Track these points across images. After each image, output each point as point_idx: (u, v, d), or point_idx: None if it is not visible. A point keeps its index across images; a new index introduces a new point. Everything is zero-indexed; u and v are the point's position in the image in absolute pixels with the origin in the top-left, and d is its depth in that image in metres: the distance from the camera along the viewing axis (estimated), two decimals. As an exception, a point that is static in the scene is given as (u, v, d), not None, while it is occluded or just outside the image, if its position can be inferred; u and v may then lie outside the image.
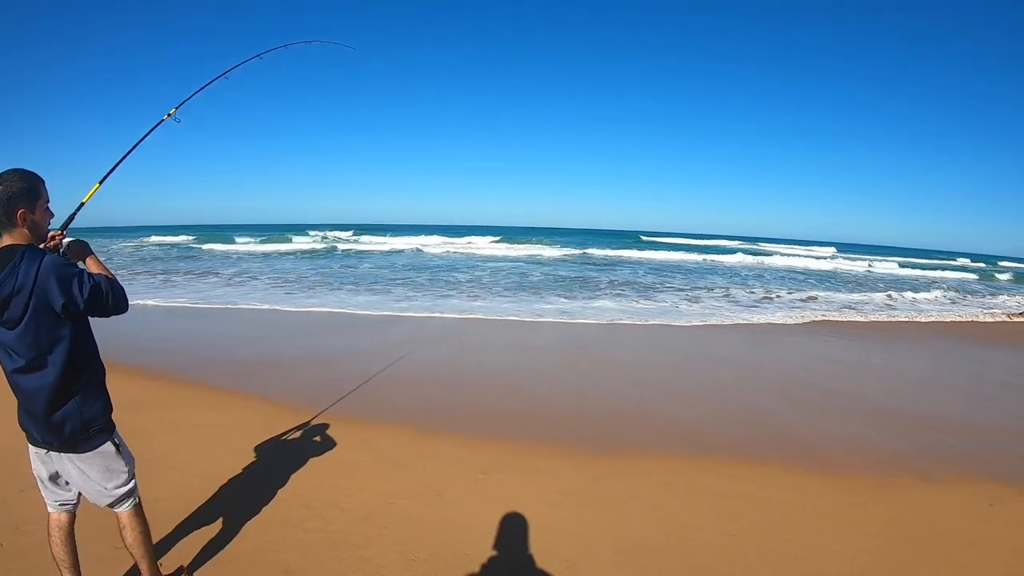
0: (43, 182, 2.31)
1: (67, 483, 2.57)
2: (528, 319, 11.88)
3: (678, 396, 7.10)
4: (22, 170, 2.25)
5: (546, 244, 42.04)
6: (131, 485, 2.65)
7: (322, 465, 4.65)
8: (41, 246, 2.36)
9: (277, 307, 12.61)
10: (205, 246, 35.96)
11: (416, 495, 4.21)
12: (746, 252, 42.11)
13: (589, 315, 12.43)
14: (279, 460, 4.73)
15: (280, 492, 4.15)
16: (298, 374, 7.33)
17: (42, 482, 2.58)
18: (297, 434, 5.30)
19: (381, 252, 33.62)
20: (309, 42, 5.01)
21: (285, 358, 8.18)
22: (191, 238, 42.54)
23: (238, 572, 3.24)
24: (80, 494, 2.63)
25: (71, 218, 2.77)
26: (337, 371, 7.51)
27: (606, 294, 16.53)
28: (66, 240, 2.60)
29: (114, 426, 2.59)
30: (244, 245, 37.26)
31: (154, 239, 41.64)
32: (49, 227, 2.42)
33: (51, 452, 2.45)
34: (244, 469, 4.53)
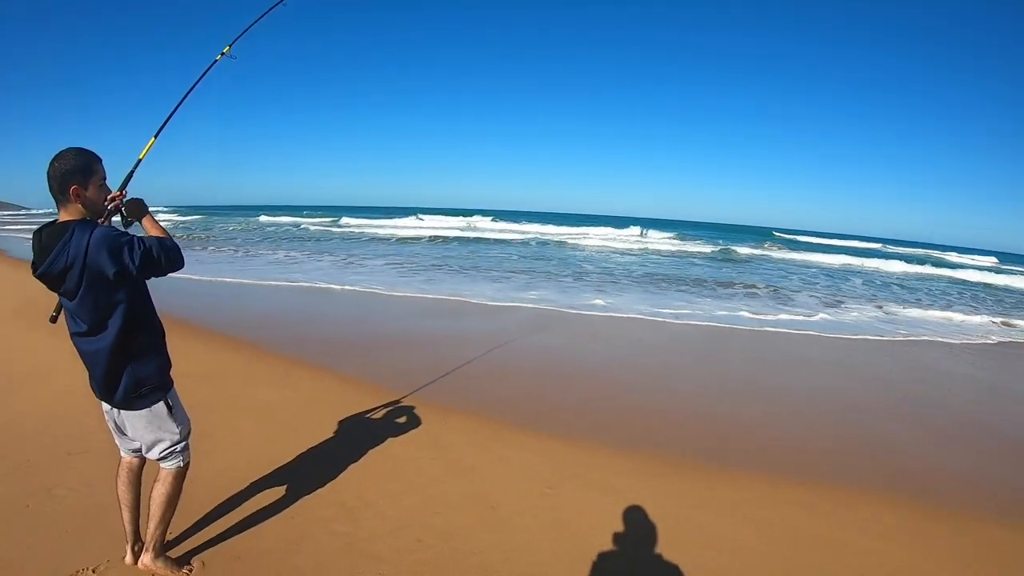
0: (99, 160, 2.36)
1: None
2: (649, 317, 10.83)
3: (792, 413, 6.01)
4: (78, 148, 2.31)
5: (680, 239, 40.05)
6: (180, 446, 2.69)
7: (376, 459, 4.28)
8: (101, 220, 2.42)
9: (384, 291, 12.49)
10: (333, 228, 37.55)
11: (467, 506, 3.69)
12: (902, 258, 35.91)
13: (719, 317, 11.18)
14: (333, 448, 4.44)
15: (321, 486, 3.81)
16: (384, 356, 7.13)
17: (113, 431, 2.69)
18: (362, 421, 5.00)
19: (515, 240, 32.93)
20: None
21: (376, 340, 8.02)
22: (325, 219, 44.52)
23: (241, 570, 2.92)
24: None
25: (129, 176, 2.73)
26: (427, 356, 7.19)
27: (739, 294, 15.00)
28: (127, 199, 2.60)
29: (170, 385, 2.65)
30: (368, 228, 38.42)
31: (289, 219, 43.99)
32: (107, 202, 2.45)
33: (114, 408, 2.56)
34: (294, 454, 4.27)
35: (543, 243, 31.90)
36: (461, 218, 48.85)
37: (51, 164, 2.26)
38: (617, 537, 3.48)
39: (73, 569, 2.82)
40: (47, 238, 2.29)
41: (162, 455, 2.65)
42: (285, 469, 4.03)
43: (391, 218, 46.17)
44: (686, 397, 6.33)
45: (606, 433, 5.06)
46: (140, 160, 2.82)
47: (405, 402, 5.42)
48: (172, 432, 2.63)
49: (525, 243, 31.48)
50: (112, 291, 2.31)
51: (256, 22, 3.52)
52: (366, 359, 6.94)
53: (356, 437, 4.64)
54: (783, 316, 11.84)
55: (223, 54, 3.30)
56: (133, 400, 2.51)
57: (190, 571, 2.86)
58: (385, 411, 5.21)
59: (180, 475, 2.73)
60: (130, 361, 2.45)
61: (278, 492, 3.69)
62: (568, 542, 3.38)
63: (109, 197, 2.50)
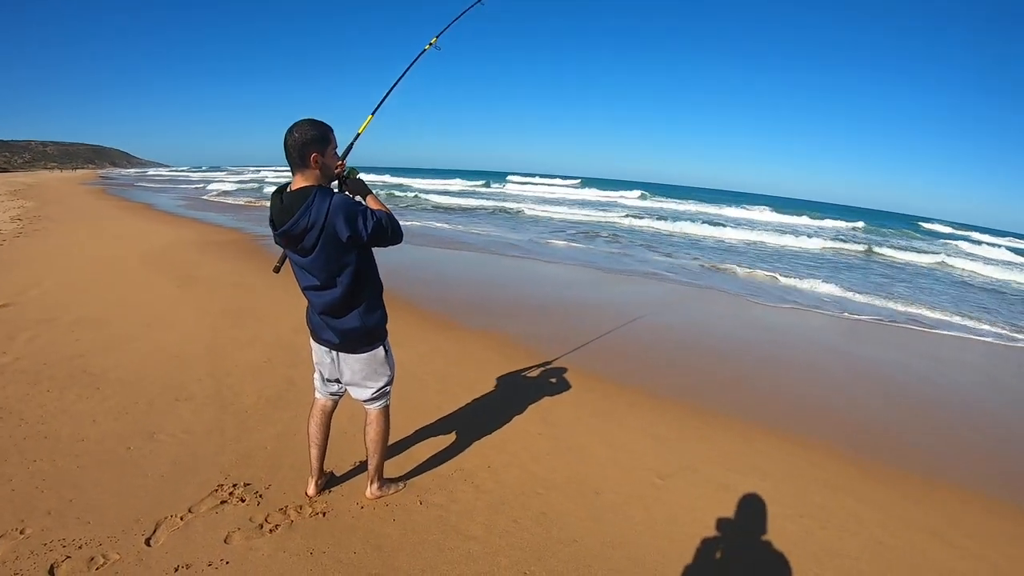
0: (332, 130, 2.56)
1: (337, 380, 2.92)
2: (817, 310, 9.44)
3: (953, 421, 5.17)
4: (313, 119, 2.51)
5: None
6: (388, 388, 2.96)
7: (480, 429, 4.03)
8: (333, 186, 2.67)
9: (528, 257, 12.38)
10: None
11: (569, 490, 3.39)
12: None
13: (898, 318, 9.67)
14: (436, 414, 4.24)
15: (420, 453, 3.63)
16: (505, 324, 6.83)
17: (319, 373, 2.97)
18: (469, 389, 4.76)
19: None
20: None
21: (505, 306, 7.77)
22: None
23: (328, 530, 2.82)
24: (346, 388, 2.96)
25: (349, 148, 2.97)
26: (552, 325, 6.92)
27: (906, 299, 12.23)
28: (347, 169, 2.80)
29: (387, 334, 2.88)
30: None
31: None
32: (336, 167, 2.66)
33: (333, 351, 2.80)
34: (396, 418, 4.03)
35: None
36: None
37: (290, 134, 2.45)
38: (727, 540, 3.09)
39: (160, 516, 2.79)
40: (289, 200, 2.49)
41: (373, 396, 2.90)
42: (395, 434, 3.85)
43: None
44: (825, 393, 5.57)
45: (729, 424, 4.54)
46: (359, 134, 3.12)
47: (518, 373, 5.19)
48: (385, 374, 2.90)
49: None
50: (344, 252, 2.53)
51: (456, 19, 3.92)
52: (487, 322, 6.76)
53: (461, 405, 4.45)
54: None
55: (430, 45, 3.62)
56: (359, 345, 2.76)
57: (403, 485, 3.26)
58: (495, 381, 4.98)
59: (386, 413, 2.99)
60: (359, 313, 2.69)
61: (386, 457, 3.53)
62: (674, 540, 3.03)
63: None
